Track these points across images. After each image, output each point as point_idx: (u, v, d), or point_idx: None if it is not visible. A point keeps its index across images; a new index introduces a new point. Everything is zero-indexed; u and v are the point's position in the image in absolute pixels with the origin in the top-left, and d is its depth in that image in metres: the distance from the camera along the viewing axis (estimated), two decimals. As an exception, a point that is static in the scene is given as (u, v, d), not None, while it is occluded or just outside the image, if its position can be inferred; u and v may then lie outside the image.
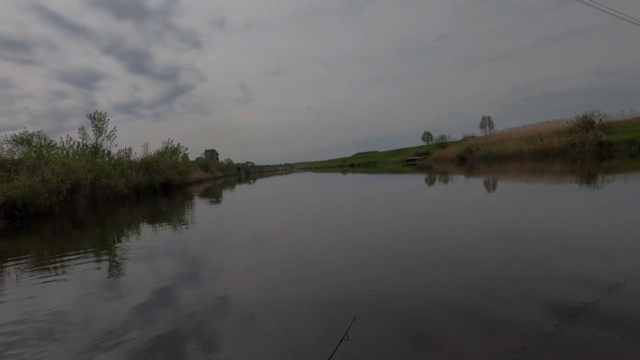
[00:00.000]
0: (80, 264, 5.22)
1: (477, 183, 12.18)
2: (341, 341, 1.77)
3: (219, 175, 56.18)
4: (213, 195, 19.37)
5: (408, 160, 48.89)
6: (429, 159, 43.82)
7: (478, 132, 54.10)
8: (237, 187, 27.15)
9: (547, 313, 2.37)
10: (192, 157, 46.39)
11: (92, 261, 5.38)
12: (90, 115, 22.86)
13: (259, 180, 36.59)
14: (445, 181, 14.32)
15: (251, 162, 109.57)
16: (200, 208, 12.88)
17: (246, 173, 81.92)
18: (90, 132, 22.25)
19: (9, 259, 6.13)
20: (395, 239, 5.04)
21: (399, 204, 9.07)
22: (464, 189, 11.17)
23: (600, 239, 4.10)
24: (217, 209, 12.31)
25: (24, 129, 19.15)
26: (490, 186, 10.93)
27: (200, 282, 3.89)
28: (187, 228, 8.14)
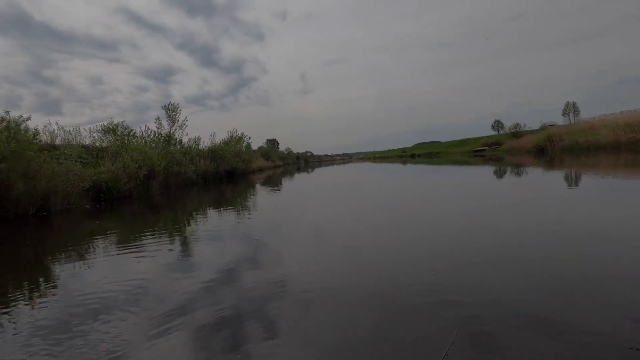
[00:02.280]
0: (156, 243, 5.69)
1: (559, 177, 10.56)
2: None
3: (279, 164, 57.76)
4: (274, 183, 19.79)
5: (475, 151, 45.44)
6: (500, 149, 40.20)
7: (559, 120, 48.14)
8: (297, 175, 27.53)
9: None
10: (254, 146, 48.25)
11: (166, 241, 5.82)
12: (164, 106, 24.59)
13: (317, 170, 36.87)
14: (520, 174, 12.80)
15: (310, 152, 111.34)
16: (262, 195, 13.17)
17: (305, 162, 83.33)
18: (165, 123, 23.99)
19: (97, 237, 6.82)
20: (459, 235, 4.67)
21: (465, 197, 8.22)
22: (542, 182, 9.76)
23: None
24: (277, 197, 12.59)
25: (111, 120, 21.24)
26: (576, 181, 9.46)
27: (261, 265, 4.05)
28: (249, 214, 8.40)
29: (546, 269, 3.19)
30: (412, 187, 12.18)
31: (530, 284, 2.88)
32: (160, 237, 6.26)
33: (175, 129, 24.33)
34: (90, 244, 6.15)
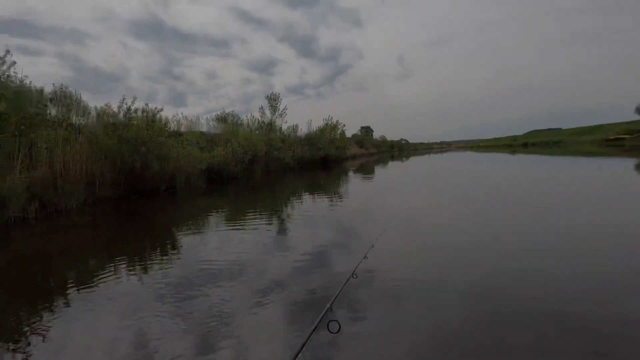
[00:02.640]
0: (256, 221, 6.44)
1: None
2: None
3: (372, 151, 57.27)
4: (367, 170, 19.81)
5: (609, 140, 37.81)
6: (646, 139, 32.65)
7: None
8: (390, 164, 27.04)
9: None
10: (348, 134, 48.61)
11: (265, 220, 6.51)
12: (267, 96, 26.49)
13: (411, 158, 35.57)
14: None
15: (405, 140, 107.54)
16: (355, 182, 13.36)
17: (399, 150, 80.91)
18: (267, 111, 25.88)
19: (209, 212, 7.92)
20: (579, 239, 4.21)
21: (594, 197, 6.86)
22: None
23: None
24: (370, 184, 12.61)
25: (223, 109, 23.83)
26: None
27: (351, 251, 4.12)
28: (341, 200, 8.67)
29: None
30: (521, 180, 10.82)
31: None
32: (260, 216, 7.02)
33: (276, 117, 26.08)
34: (205, 218, 7.26)
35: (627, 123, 43.74)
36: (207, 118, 23.91)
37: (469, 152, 52.23)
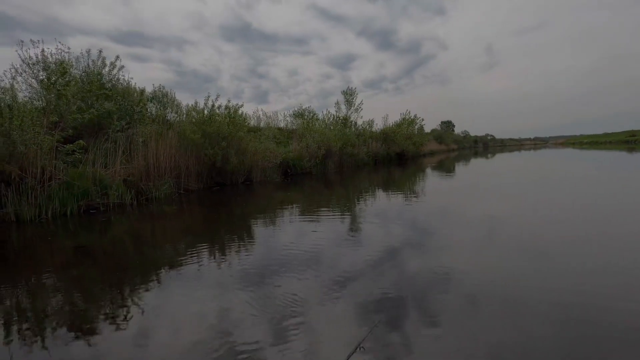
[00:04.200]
0: (329, 216, 6.45)
1: None
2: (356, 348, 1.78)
3: (453, 147, 53.60)
4: (446, 168, 18.38)
5: None
6: None
7: None
8: (472, 161, 24.78)
9: None
10: (427, 129, 46.14)
11: (337, 215, 6.49)
12: (343, 91, 26.29)
13: (498, 155, 32.17)
14: None
15: (491, 135, 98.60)
16: (432, 180, 12.44)
17: (484, 146, 74.39)
18: (343, 107, 25.70)
19: (284, 205, 8.09)
20: None
21: None
22: None
23: None
24: (448, 183, 11.60)
25: (300, 105, 24.31)
26: None
27: (425, 251, 4.00)
28: (417, 198, 8.26)
29: None
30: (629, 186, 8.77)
31: None
32: (332, 211, 6.98)
33: (352, 112, 25.77)
34: (280, 210, 7.39)
35: None
36: (284, 114, 24.63)
37: (570, 149, 45.51)
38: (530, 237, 4.46)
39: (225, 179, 11.39)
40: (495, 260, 3.64)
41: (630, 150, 29.65)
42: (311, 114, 22.89)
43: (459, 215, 6.18)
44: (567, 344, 2.09)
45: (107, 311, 2.83)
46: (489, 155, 32.63)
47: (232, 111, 12.36)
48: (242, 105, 12.95)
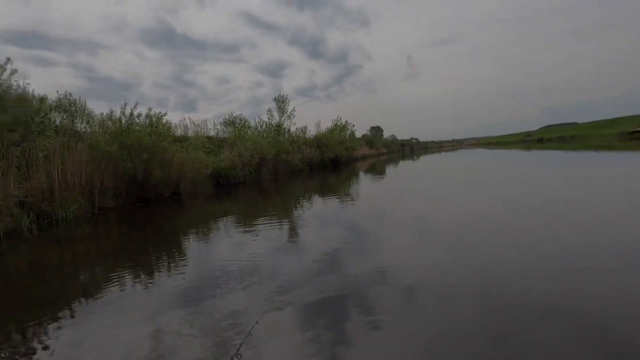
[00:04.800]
0: (266, 225, 6.20)
1: None
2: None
3: (383, 151, 56.55)
4: (377, 171, 19.27)
5: (632, 133, 36.33)
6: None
7: None
8: (401, 163, 26.41)
9: None
10: (358, 134, 48.00)
11: (275, 224, 6.27)
12: (275, 98, 26.14)
13: (422, 157, 34.83)
14: None
15: (415, 138, 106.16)
16: (366, 183, 12.90)
17: (410, 149, 79.88)
18: (275, 114, 25.52)
19: (218, 217, 7.63)
20: (582, 232, 4.19)
21: (611, 196, 6.18)
22: None
23: None
24: (381, 185, 12.14)
25: (231, 113, 23.53)
26: None
27: (363, 252, 4.07)
28: (352, 201, 8.42)
29: None
30: (536, 179, 10.12)
31: None
32: (270, 219, 6.77)
33: (284, 119, 25.70)
34: (214, 222, 6.96)
35: (649, 114, 41.91)
36: (214, 122, 23.62)
37: (480, 149, 51.12)
38: (457, 232, 4.75)
39: (149, 193, 10.44)
40: (427, 256, 3.83)
41: (527, 148, 34.18)
42: (243, 122, 22.31)
43: (392, 215, 6.41)
44: (494, 325, 2.25)
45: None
46: (415, 157, 35.11)
47: (154, 120, 11.44)
48: (165, 114, 12.05)
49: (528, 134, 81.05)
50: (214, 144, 16.83)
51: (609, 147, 22.13)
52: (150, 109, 11.57)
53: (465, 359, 1.94)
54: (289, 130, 25.37)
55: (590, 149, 23.01)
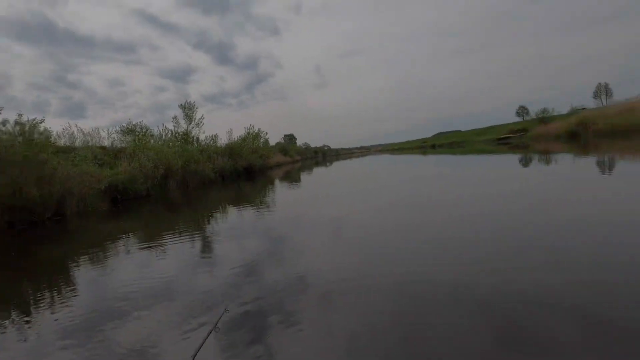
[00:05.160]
0: (176, 241, 5.66)
1: (594, 164, 9.44)
2: (210, 332, 1.95)
3: (297, 158, 57.44)
4: (292, 178, 19.37)
5: (500, 139, 43.59)
6: (527, 136, 38.27)
7: (590, 104, 45.19)
8: (315, 170, 27.06)
9: None
10: (272, 142, 48.00)
11: (187, 239, 5.76)
12: (181, 105, 24.48)
13: (335, 163, 36.35)
14: (547, 161, 11.79)
15: (327, 146, 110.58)
16: (281, 191, 12.81)
17: (323, 156, 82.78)
18: (182, 121, 23.88)
19: (115, 237, 6.68)
20: (480, 226, 4.52)
21: (493, 189, 7.33)
22: (570, 170, 8.71)
23: None
24: (297, 192, 12.19)
25: (129, 120, 21.22)
26: (612, 167, 8.39)
27: (282, 260, 4.02)
28: (269, 210, 8.23)
29: (582, 261, 3.02)
30: (431, 178, 11.41)
31: (559, 273, 2.80)
32: (180, 235, 6.19)
33: (192, 127, 24.23)
34: (110, 245, 6.07)
35: (512, 124, 51.00)
36: (109, 130, 20.96)
37: (386, 154, 55.58)
38: (370, 232, 4.93)
39: (23, 215, 8.67)
40: (343, 258, 3.93)
41: (424, 153, 38.36)
42: (144, 130, 20.35)
43: (309, 221, 6.44)
44: (408, 316, 2.39)
45: None
46: (328, 164, 36.37)
47: (28, 128, 9.63)
48: (42, 120, 10.26)
49: (424, 140, 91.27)
50: (108, 155, 14.91)
51: (487, 151, 26.06)
52: (20, 115, 9.70)
53: (381, 354, 1.99)
54: (197, 138, 24.04)
55: (473, 152, 26.83)
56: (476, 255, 3.46)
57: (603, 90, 50.12)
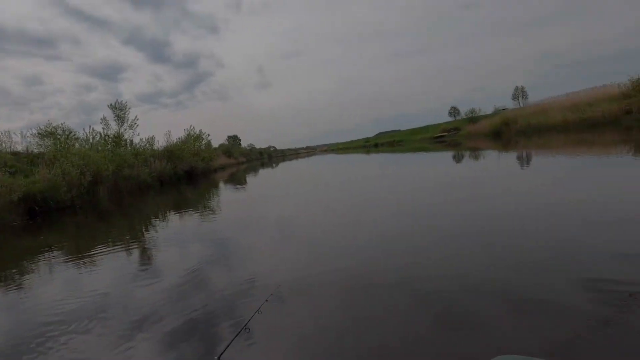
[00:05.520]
0: (111, 254, 5.16)
1: (515, 159, 10.58)
2: (241, 331, 1.82)
3: (242, 160, 56.07)
4: (238, 180, 18.83)
5: (436, 138, 46.63)
6: (460, 135, 41.41)
7: (510, 105, 50.30)
8: (261, 171, 26.64)
9: (592, 297, 2.14)
10: (215, 144, 46.24)
11: (122, 251, 5.28)
12: (111, 105, 22.51)
13: (281, 164, 36.10)
14: (477, 157, 13.00)
15: (273, 147, 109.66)
16: (227, 194, 12.39)
17: (268, 157, 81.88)
18: (113, 123, 21.95)
19: (34, 254, 5.91)
20: (422, 219, 4.79)
21: (432, 183, 7.85)
22: (496, 164, 9.69)
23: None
24: (243, 194, 11.87)
25: (49, 122, 18.85)
26: (529, 162, 9.50)
27: (229, 265, 3.87)
28: (214, 214, 7.91)
29: (506, 245, 3.28)
30: (374, 177, 11.84)
31: (490, 260, 2.98)
32: (114, 246, 5.65)
33: (125, 129, 22.41)
34: (28, 263, 5.37)
35: (446, 123, 54.85)
36: (22, 133, 18.49)
37: (331, 154, 56.57)
38: (316, 232, 4.95)
39: None
40: (291, 257, 3.90)
41: (367, 152, 39.70)
42: (67, 133, 18.31)
43: (256, 222, 6.27)
44: (356, 309, 2.44)
45: None
46: (274, 165, 36.01)
47: None
48: None
49: (367, 139, 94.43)
50: (22, 162, 13.16)
51: (425, 149, 27.69)
52: None
53: (333, 349, 2.01)
54: (131, 141, 22.30)
55: (412, 151, 28.34)
56: (416, 247, 3.61)
57: (520, 93, 55.73)
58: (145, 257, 4.82)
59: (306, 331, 2.24)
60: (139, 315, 2.78)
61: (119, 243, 5.93)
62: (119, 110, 22.55)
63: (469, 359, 1.74)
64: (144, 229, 7.18)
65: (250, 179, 19.55)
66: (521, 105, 48.14)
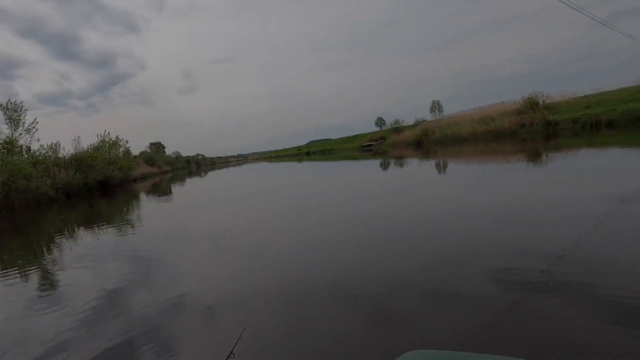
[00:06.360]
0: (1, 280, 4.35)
1: (434, 166, 11.71)
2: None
3: (166, 169, 52.29)
4: (162, 191, 17.46)
5: (364, 146, 48.97)
6: (386, 144, 44.10)
7: (428, 117, 55.45)
8: (188, 180, 25.13)
9: (501, 286, 2.40)
10: (135, 151, 42.49)
11: (15, 276, 4.53)
12: (1, 105, 19.30)
13: (210, 173, 34.55)
14: (401, 165, 14.08)
15: (201, 155, 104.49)
16: (148, 206, 11.39)
17: (197, 166, 77.75)
18: (5, 127, 18.84)
19: None
20: (349, 225, 4.91)
21: (359, 191, 8.25)
22: (418, 172, 10.68)
23: (546, 212, 4.07)
24: (167, 206, 10.98)
25: None
26: (446, 169, 10.65)
27: (152, 283, 3.58)
28: (133, 229, 7.22)
29: (425, 246, 3.53)
30: (306, 185, 11.98)
31: (412, 259, 3.18)
32: (6, 273, 4.72)
33: (20, 134, 19.38)
34: None
35: (373, 133, 58.06)
36: None
37: (264, 162, 55.89)
38: (247, 241, 4.79)
39: None
40: (223, 269, 3.76)
41: (300, 160, 40.08)
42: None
43: (182, 235, 5.91)
44: (293, 315, 2.45)
45: None
46: (203, 174, 34.24)
47: None
48: None
49: (299, 148, 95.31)
50: None
51: (354, 157, 28.86)
52: None
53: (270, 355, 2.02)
54: (28, 148, 19.37)
55: (342, 159, 29.32)
56: (347, 252, 3.70)
57: (436, 106, 61.56)
58: (47, 280, 4.18)
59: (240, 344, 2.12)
60: (39, 351, 2.34)
61: (10, 266, 5.06)
62: (12, 112, 19.48)
63: (388, 353, 1.81)
64: (44, 249, 6.21)
65: (176, 189, 18.26)
66: (437, 117, 53.17)
